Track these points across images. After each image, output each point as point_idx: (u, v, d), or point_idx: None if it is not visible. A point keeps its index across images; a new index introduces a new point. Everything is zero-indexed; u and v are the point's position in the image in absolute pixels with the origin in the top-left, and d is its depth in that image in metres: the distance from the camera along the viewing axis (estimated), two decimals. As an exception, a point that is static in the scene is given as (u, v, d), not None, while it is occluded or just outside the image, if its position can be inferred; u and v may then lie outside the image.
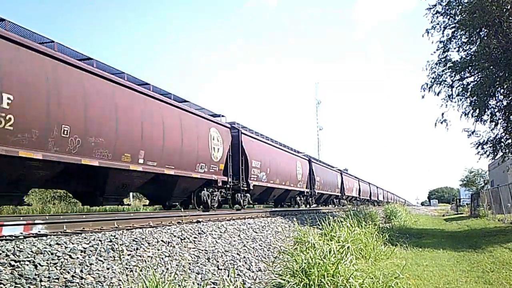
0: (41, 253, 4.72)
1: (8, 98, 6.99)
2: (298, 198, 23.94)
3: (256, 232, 9.20)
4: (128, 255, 5.54)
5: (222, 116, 15.53)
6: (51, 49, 8.19)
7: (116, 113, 9.47)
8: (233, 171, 15.27)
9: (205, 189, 13.59)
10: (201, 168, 12.86)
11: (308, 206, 24.95)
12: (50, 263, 4.60)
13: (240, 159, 15.76)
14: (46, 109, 7.72)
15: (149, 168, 10.53)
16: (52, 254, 4.79)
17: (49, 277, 4.35)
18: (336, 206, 30.10)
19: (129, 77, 10.66)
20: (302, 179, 23.77)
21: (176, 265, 5.82)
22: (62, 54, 8.43)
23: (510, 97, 14.69)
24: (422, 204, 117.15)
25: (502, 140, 15.32)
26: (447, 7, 14.99)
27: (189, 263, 6.01)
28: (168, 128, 11.35)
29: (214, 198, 14.01)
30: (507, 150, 15.63)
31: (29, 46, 7.58)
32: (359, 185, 44.11)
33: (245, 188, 15.98)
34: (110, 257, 5.28)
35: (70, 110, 8.25)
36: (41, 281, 4.25)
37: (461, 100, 15.58)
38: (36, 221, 6.54)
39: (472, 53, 14.82)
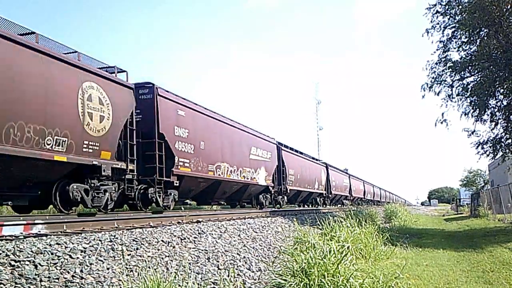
0: (41, 253, 4.72)
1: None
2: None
3: (256, 232, 9.20)
4: (128, 255, 5.55)
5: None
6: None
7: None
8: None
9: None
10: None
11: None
12: (50, 263, 4.60)
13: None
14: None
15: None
16: (52, 254, 4.79)
17: (49, 277, 4.34)
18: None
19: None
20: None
21: (176, 265, 5.82)
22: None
23: (510, 97, 14.67)
24: (422, 204, 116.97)
25: (502, 140, 15.30)
26: (447, 7, 14.98)
27: (189, 263, 6.01)
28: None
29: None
30: (507, 150, 15.62)
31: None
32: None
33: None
34: (110, 257, 5.28)
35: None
36: (41, 281, 4.25)
37: (461, 100, 15.57)
38: (36, 221, 6.54)
39: (472, 53, 14.82)
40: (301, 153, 24.79)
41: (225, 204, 17.31)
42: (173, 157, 11.19)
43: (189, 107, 12.60)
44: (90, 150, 8.59)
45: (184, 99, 12.60)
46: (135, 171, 9.94)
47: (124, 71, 10.27)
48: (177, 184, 11.46)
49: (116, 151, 9.44)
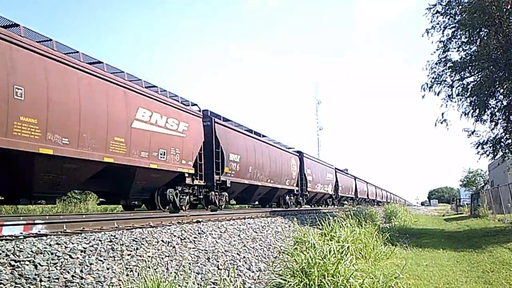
0: (41, 253, 4.72)
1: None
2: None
3: (256, 232, 9.20)
4: (128, 255, 5.54)
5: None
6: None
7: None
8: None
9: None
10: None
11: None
12: (50, 263, 4.60)
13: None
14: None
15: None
16: (52, 254, 4.78)
17: (49, 277, 4.34)
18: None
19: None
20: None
21: (176, 265, 5.82)
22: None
23: (510, 97, 14.66)
24: (422, 204, 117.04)
25: (502, 140, 15.29)
26: (447, 7, 14.98)
27: (189, 263, 6.01)
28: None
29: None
30: (507, 150, 15.61)
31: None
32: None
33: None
34: (110, 257, 5.28)
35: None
36: (41, 281, 4.25)
37: (461, 100, 15.57)
38: (36, 221, 6.54)
39: (472, 53, 14.81)
40: (343, 170, 37.76)
41: (315, 205, 29.29)
42: (307, 183, 24.88)
43: (310, 158, 26.93)
44: (292, 183, 22.52)
45: (308, 155, 26.79)
46: (299, 190, 23.59)
47: (294, 148, 24.96)
48: (308, 196, 25.56)
49: (296, 183, 23.17)
